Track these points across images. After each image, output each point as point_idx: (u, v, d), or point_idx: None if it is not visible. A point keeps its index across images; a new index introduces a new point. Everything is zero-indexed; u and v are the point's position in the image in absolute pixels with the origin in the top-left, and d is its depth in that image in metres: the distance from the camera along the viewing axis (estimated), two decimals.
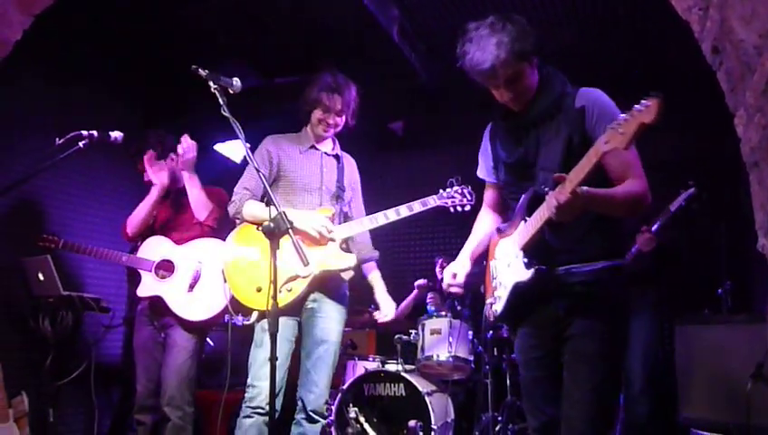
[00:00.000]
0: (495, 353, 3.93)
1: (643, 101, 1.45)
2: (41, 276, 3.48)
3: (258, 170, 2.20)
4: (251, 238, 2.63)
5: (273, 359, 1.99)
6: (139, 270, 3.18)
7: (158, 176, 3.26)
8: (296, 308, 2.61)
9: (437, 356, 3.73)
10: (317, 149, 2.83)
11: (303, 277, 2.56)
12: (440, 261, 4.81)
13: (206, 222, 3.21)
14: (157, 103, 4.65)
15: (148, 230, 3.30)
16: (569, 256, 1.88)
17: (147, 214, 3.27)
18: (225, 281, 2.66)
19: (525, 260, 1.87)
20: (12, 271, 3.60)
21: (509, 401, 3.75)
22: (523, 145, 1.99)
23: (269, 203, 2.12)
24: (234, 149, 5.06)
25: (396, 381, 3.70)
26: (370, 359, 4.06)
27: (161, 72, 4.37)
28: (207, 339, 3.56)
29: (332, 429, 3.68)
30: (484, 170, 2.25)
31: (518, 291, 1.92)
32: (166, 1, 3.70)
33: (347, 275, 2.75)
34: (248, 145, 2.21)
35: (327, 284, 2.66)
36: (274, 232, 2.03)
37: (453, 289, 2.19)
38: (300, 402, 2.61)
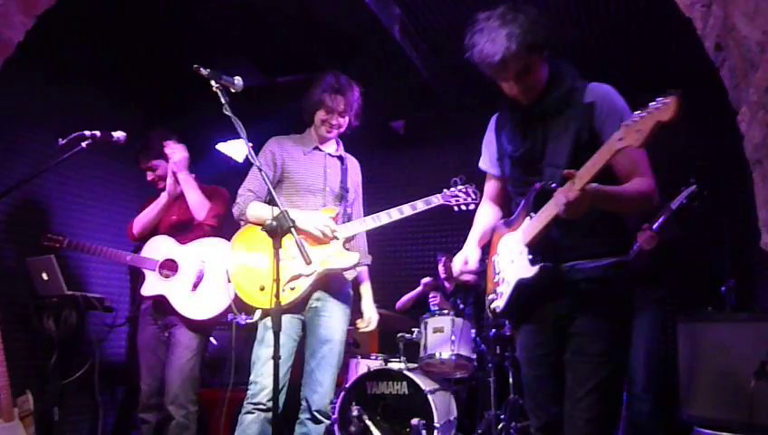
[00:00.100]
0: (498, 351, 3.92)
1: (660, 99, 1.39)
2: (45, 276, 3.50)
3: (260, 169, 2.20)
4: (254, 239, 2.63)
5: (276, 357, 1.99)
6: (143, 269, 3.19)
7: (172, 185, 3.27)
8: (300, 306, 2.61)
9: (440, 354, 3.74)
10: (321, 150, 2.81)
11: (306, 276, 2.56)
12: (443, 259, 4.81)
13: (206, 221, 3.20)
14: (159, 102, 4.66)
15: (152, 231, 3.31)
16: (574, 253, 1.85)
17: (155, 217, 3.29)
18: (229, 281, 2.66)
19: (530, 256, 1.83)
20: (16, 271, 3.62)
21: (512, 399, 3.75)
22: (530, 139, 1.93)
23: (272, 203, 2.12)
24: (235, 149, 5.07)
25: (398, 379, 3.71)
26: (373, 357, 4.06)
27: (163, 71, 4.38)
28: (211, 338, 3.57)
29: (335, 427, 3.68)
30: (487, 162, 2.18)
31: (521, 287, 1.88)
32: (168, 1, 3.71)
33: (350, 275, 2.75)
34: (250, 144, 2.21)
35: (331, 283, 2.66)
36: (277, 230, 2.03)
37: (465, 276, 2.13)
38: (304, 402, 2.60)
